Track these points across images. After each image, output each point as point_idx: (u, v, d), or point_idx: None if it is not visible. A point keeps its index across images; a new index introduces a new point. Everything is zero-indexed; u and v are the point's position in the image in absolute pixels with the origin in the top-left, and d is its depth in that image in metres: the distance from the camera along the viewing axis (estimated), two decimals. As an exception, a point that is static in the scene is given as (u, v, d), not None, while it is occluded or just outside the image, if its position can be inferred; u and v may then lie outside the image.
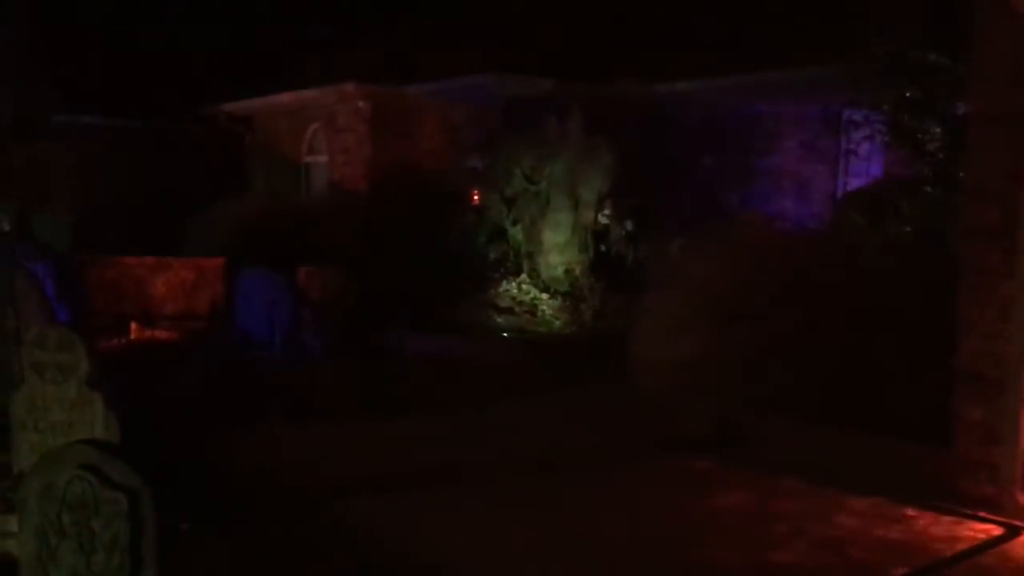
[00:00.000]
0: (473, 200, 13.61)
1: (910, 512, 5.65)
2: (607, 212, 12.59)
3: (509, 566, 4.98)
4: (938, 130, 8.10)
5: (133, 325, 11.87)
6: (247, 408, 7.76)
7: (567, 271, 12.85)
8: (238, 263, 12.91)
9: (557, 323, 12.29)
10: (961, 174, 6.36)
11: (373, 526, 5.44)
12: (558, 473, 6.61)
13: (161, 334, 11.92)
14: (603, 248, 12.85)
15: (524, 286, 12.64)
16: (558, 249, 12.90)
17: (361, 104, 15.45)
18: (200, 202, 16.22)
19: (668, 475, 6.50)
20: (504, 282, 12.72)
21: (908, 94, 8.30)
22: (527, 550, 5.17)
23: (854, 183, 14.13)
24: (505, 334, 11.74)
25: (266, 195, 17.40)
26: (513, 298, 12.67)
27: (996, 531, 5.36)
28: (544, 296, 12.40)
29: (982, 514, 5.53)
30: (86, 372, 5.18)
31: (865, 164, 14.18)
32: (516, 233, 13.19)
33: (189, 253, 14.22)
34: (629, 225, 12.80)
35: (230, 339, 10.61)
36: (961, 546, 5.16)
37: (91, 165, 17.94)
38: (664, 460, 6.85)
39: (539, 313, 12.40)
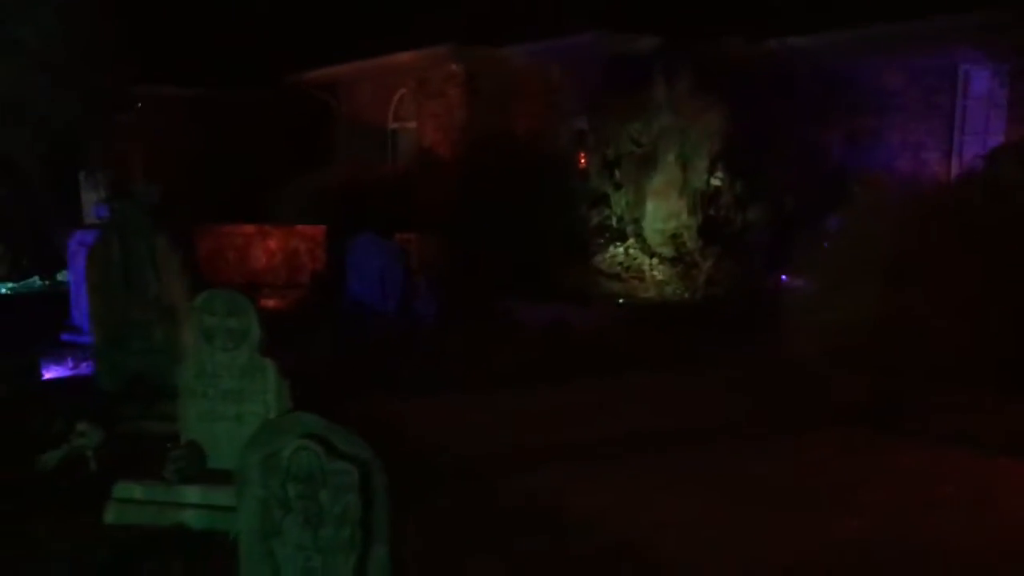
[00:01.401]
0: (578, 164, 13.23)
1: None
2: (719, 174, 12.13)
3: (704, 538, 4.72)
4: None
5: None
6: (381, 377, 7.57)
7: (674, 236, 12.43)
8: (338, 230, 12.78)
9: (668, 289, 11.93)
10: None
11: (553, 497, 5.21)
12: (718, 443, 6.32)
13: (266, 303, 11.82)
14: (712, 211, 12.40)
15: (631, 251, 12.28)
16: (664, 213, 12.48)
17: (455, 67, 15.12)
18: (285, 172, 16.12)
19: (828, 445, 6.16)
20: (611, 247, 12.36)
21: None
22: (716, 523, 4.90)
23: (970, 142, 13.49)
24: (621, 300, 11.42)
25: (352, 163, 17.24)
26: (620, 264, 12.32)
27: None
28: (654, 261, 12.02)
29: None
30: (258, 338, 4.99)
31: (983, 120, 13.53)
32: (620, 197, 12.79)
33: (280, 222, 14.11)
34: (739, 187, 12.34)
35: (343, 307, 10.44)
36: None
37: (173, 136, 17.97)
38: (823, 430, 6.51)
39: (648, 279, 12.05)
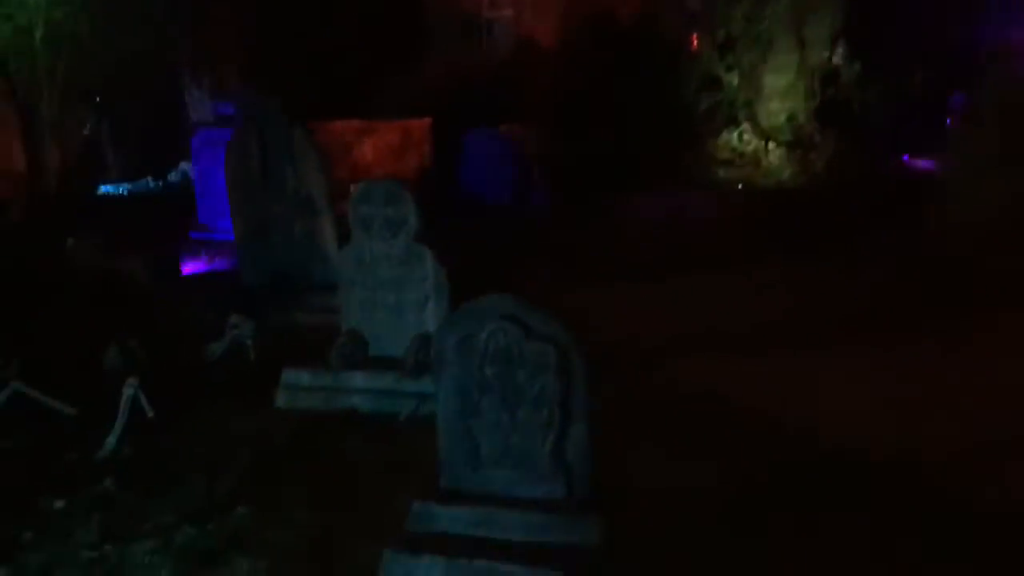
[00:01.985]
0: (690, 47, 12.79)
1: None
2: (840, 51, 11.59)
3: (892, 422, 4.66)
4: None
5: (351, 188, 11.88)
6: (515, 269, 7.58)
7: (789, 118, 12.06)
8: (442, 124, 12.69)
9: (785, 174, 11.62)
10: None
11: (707, 384, 5.19)
12: (874, 332, 6.15)
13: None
14: (831, 92, 11.93)
15: (745, 136, 11.95)
16: (780, 95, 12.08)
17: (554, -51, 14.63)
18: (380, 65, 15.93)
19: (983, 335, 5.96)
20: (724, 132, 12.04)
21: None
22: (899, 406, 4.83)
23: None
24: (740, 185, 11.17)
25: (446, 55, 16.96)
26: (733, 149, 12.05)
27: None
28: (771, 146, 11.68)
29: None
30: (415, 227, 5.02)
31: None
32: (732, 79, 12.40)
33: (382, 117, 14.02)
34: (858, 66, 11.81)
35: (457, 200, 10.45)
36: None
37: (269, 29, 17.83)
38: (975, 318, 6.29)
39: (764, 164, 11.74)
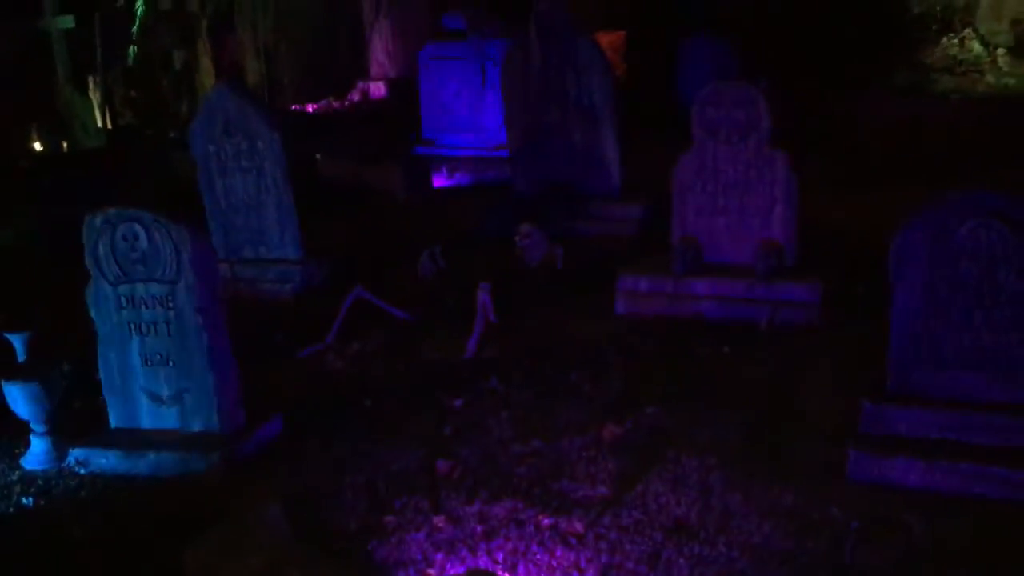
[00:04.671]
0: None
1: None
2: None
3: None
4: None
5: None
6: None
7: (1014, 21, 11.32)
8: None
9: (1011, 82, 10.96)
10: None
11: None
12: None
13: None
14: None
15: (968, 41, 11.28)
16: (1004, -2, 11.34)
17: None
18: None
19: None
20: (945, 38, 11.40)
21: None
22: None
23: None
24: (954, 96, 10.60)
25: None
26: (953, 57, 11.39)
27: None
28: (999, 51, 11.02)
29: None
30: (767, 131, 4.88)
31: None
32: (948, -17, 11.69)
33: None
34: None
35: (676, 111, 10.20)
36: None
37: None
38: None
39: (988, 71, 11.10)
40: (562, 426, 3.95)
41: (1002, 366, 3.32)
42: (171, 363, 3.93)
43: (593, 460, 3.66)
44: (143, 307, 3.91)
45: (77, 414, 4.28)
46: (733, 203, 5.04)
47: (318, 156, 8.61)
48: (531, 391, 4.30)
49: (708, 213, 5.11)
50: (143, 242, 3.83)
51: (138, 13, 10.00)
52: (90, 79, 12.27)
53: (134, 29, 9.75)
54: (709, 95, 4.96)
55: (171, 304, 3.87)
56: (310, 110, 14.10)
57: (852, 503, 3.22)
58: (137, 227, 3.82)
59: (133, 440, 3.95)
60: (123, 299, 3.92)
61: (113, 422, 4.07)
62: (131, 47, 9.88)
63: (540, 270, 5.96)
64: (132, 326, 3.94)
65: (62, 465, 3.93)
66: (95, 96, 12.23)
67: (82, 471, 3.89)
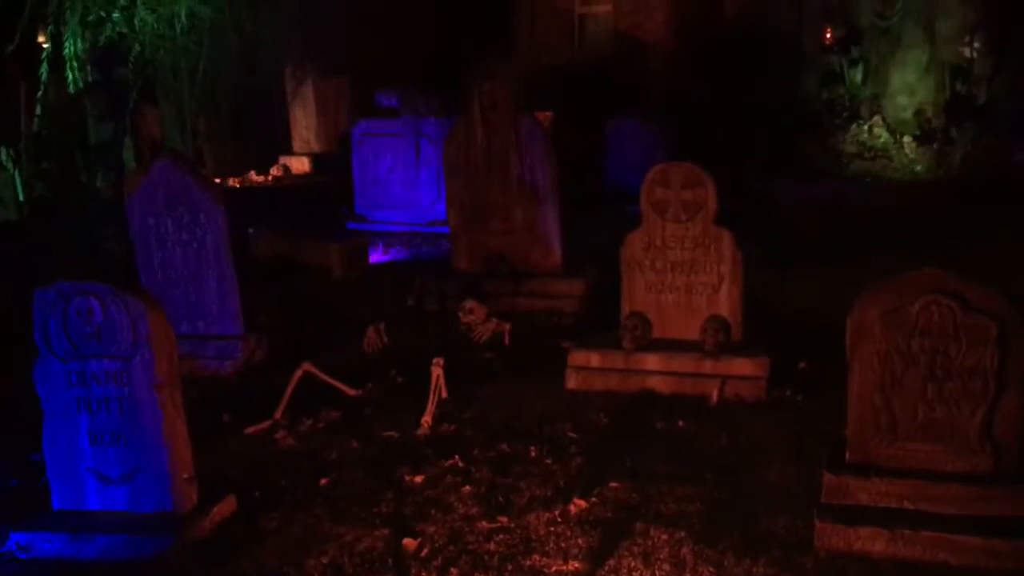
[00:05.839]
0: (820, 39, 12.79)
1: None
2: (976, 46, 11.60)
3: None
4: None
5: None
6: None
7: (917, 113, 12.07)
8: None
9: (918, 168, 11.63)
10: None
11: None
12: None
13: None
14: (959, 86, 11.93)
15: (876, 129, 11.96)
16: (908, 89, 12.12)
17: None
18: (465, 60, 15.96)
19: None
20: (854, 126, 12.07)
21: None
22: None
23: None
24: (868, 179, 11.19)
25: (536, 50, 17.01)
26: (862, 143, 12.05)
27: None
28: (905, 139, 11.71)
29: None
30: (713, 211, 5.06)
31: None
32: (855, 75, 12.42)
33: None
34: (991, 61, 11.81)
35: (604, 191, 10.49)
36: None
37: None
38: None
39: (896, 158, 11.76)
40: (526, 502, 3.93)
41: (949, 438, 3.46)
42: (122, 441, 3.78)
43: (562, 535, 3.64)
44: (95, 383, 3.78)
45: (15, 494, 4.08)
46: (681, 279, 5.18)
47: (251, 231, 8.53)
48: (491, 467, 4.28)
49: (656, 290, 5.23)
50: (98, 316, 3.72)
51: (68, 80, 9.84)
52: (2, 150, 11.92)
53: (38, 95, 9.56)
54: (657, 174, 5.12)
55: (126, 380, 3.75)
56: (231, 184, 13.98)
57: (823, 573, 3.28)
58: (93, 300, 3.72)
59: (80, 522, 3.77)
60: (73, 375, 3.78)
61: (56, 504, 3.88)
62: (37, 117, 9.68)
63: (487, 346, 5.99)
64: (81, 403, 3.80)
65: (1, 550, 3.72)
66: (11, 167, 11.87)
67: (23, 556, 3.69)
